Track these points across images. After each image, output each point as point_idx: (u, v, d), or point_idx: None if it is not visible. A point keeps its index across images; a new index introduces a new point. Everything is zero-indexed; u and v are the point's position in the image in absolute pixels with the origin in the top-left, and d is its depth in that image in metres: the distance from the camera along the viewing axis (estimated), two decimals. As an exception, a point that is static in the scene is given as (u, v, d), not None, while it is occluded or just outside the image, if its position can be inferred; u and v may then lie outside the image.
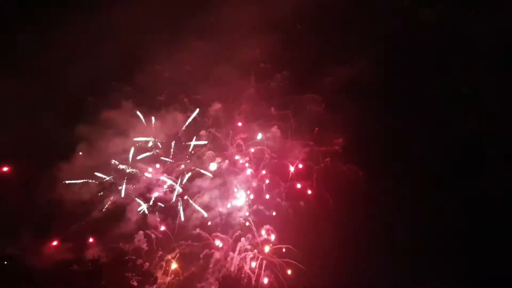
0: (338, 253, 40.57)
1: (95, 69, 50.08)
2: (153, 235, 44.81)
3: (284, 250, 42.81)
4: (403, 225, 41.14)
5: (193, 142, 49.54)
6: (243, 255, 42.06)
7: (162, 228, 45.54)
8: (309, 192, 46.26)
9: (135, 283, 42.64)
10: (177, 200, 46.75)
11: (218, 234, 44.18)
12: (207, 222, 45.20)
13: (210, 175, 47.68)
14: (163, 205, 46.79)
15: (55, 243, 43.40)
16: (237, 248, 42.47)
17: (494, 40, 47.79)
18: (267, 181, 47.80)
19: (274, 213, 45.57)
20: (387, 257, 39.82)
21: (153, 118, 49.90)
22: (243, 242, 42.81)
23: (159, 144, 49.66)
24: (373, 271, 39.30)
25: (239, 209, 45.78)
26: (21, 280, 39.52)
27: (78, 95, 49.73)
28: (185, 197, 46.72)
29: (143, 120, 49.21)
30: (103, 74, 50.70)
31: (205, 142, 50.02)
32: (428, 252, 39.86)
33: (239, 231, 43.90)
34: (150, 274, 43.33)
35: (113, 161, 47.74)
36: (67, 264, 41.83)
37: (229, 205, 46.26)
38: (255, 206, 46.03)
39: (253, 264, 42.00)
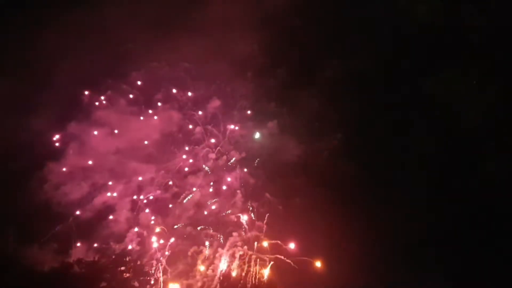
0: (330, 250, 39.27)
1: (89, 66, 50.03)
2: (145, 233, 44.14)
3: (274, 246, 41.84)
4: (400, 222, 39.56)
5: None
6: (231, 251, 41.16)
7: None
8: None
9: (136, 284, 41.87)
10: (170, 198, 46.21)
11: (209, 231, 43.36)
12: (199, 220, 44.34)
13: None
14: (155, 203, 46.24)
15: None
16: (227, 244, 41.58)
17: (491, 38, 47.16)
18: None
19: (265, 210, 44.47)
20: (382, 255, 38.30)
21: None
22: (235, 238, 41.94)
23: None
24: (366, 269, 37.79)
25: (231, 205, 44.84)
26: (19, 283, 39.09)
27: (72, 93, 49.43)
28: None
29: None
30: (98, 72, 50.68)
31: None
32: (426, 250, 38.20)
33: (230, 227, 43.08)
34: (150, 274, 42.57)
35: None
36: (65, 266, 41.16)
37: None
38: (249, 203, 44.97)
39: (243, 260, 41.07)
